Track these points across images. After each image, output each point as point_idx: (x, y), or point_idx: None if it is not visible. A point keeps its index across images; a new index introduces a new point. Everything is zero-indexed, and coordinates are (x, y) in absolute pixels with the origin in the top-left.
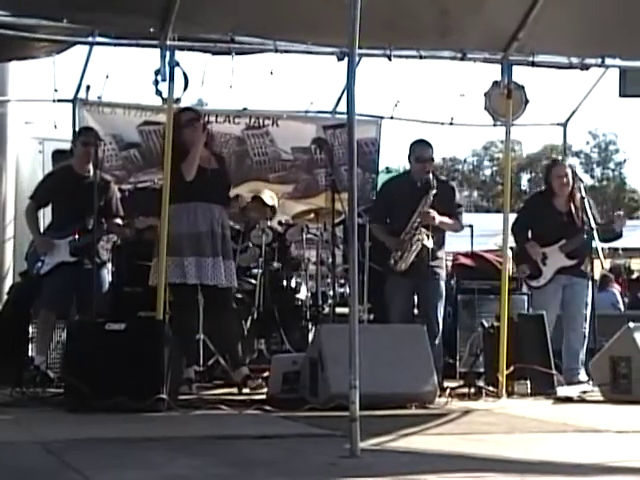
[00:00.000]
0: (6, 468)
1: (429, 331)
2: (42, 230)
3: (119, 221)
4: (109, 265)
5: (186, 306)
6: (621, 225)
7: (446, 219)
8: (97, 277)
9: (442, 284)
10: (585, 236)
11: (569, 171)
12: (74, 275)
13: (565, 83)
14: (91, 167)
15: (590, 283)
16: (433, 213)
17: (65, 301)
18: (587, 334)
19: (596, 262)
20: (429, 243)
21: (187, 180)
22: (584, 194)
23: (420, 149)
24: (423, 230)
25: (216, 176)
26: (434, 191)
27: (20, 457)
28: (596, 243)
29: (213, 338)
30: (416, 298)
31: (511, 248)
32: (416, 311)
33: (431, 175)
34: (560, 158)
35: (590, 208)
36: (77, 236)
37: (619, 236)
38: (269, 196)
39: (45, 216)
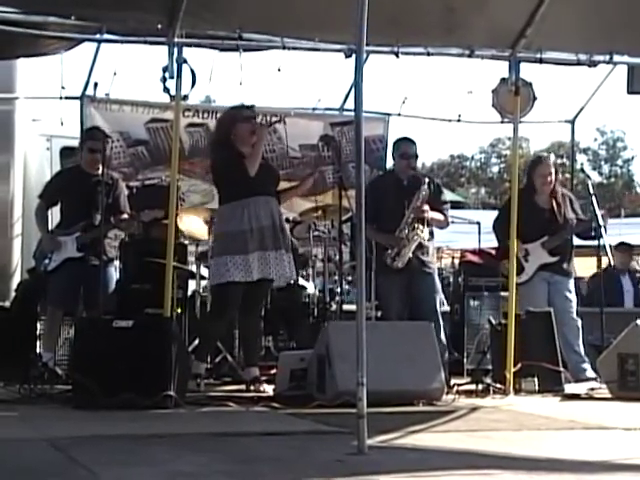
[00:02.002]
0: (13, 464)
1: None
2: (51, 229)
3: (125, 216)
4: (116, 262)
5: (228, 304)
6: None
7: (437, 214)
8: (104, 274)
9: (436, 277)
10: (593, 233)
11: (553, 170)
12: (81, 271)
13: (573, 80)
14: (100, 167)
15: (572, 281)
16: (426, 208)
17: (72, 297)
18: (578, 326)
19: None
20: (426, 238)
21: (251, 176)
22: (592, 191)
23: (404, 146)
24: (419, 226)
25: (267, 170)
26: (426, 186)
27: (27, 453)
28: (604, 240)
29: (241, 328)
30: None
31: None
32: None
33: (417, 171)
34: (545, 155)
35: (572, 204)
36: (84, 232)
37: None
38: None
39: (54, 215)
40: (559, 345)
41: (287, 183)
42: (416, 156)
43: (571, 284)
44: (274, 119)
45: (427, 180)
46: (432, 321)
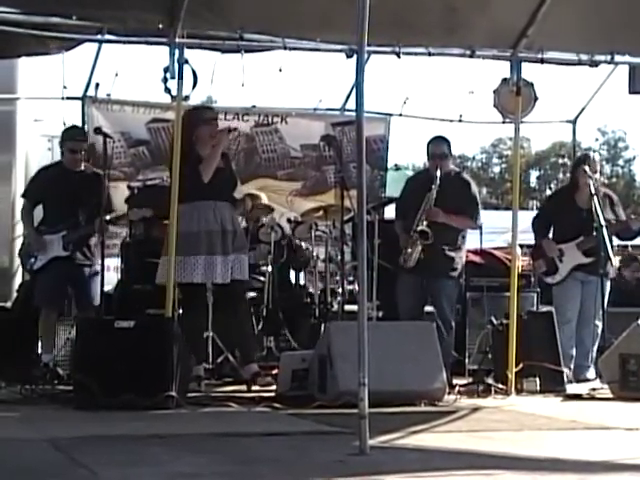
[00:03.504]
0: (15, 465)
1: (438, 328)
2: (36, 225)
3: (107, 217)
4: (102, 261)
5: (194, 304)
6: (638, 224)
7: (453, 216)
8: (90, 275)
9: (450, 283)
10: (595, 233)
11: (597, 168)
12: (67, 271)
13: (574, 80)
14: (82, 164)
15: (603, 280)
16: (435, 211)
17: (59, 296)
18: (600, 332)
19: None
20: (428, 241)
21: (204, 182)
22: (593, 191)
23: (432, 146)
24: (424, 228)
25: (224, 174)
26: (436, 188)
27: (28, 454)
28: (607, 240)
29: (225, 334)
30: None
31: (521, 246)
32: (431, 308)
33: (439, 171)
34: (590, 153)
35: (612, 204)
36: (70, 230)
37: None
38: (261, 199)
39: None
40: (572, 344)
41: (288, 183)
42: (445, 155)
43: (606, 285)
44: (233, 126)
45: (438, 182)
46: (440, 322)
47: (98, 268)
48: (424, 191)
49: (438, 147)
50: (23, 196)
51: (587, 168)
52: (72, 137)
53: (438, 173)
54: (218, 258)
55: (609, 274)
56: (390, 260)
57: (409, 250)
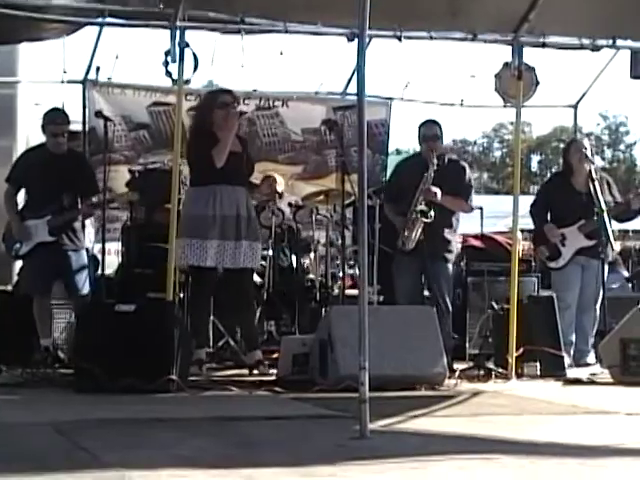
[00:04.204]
0: (17, 448)
1: (437, 312)
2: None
3: (94, 199)
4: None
5: (203, 288)
6: (639, 204)
7: (449, 197)
8: (77, 259)
9: (448, 266)
10: (595, 218)
11: (588, 147)
12: (53, 256)
13: (576, 64)
14: (65, 147)
15: (601, 264)
16: (434, 189)
17: (45, 282)
18: (597, 316)
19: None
20: (428, 219)
21: (217, 167)
22: (595, 175)
23: (424, 128)
24: (423, 207)
25: (240, 159)
26: (434, 167)
27: (30, 437)
28: (608, 225)
29: (229, 319)
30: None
31: (522, 230)
32: (427, 292)
33: (434, 152)
34: (579, 137)
35: (609, 187)
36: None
37: (638, 214)
38: (279, 182)
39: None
40: (572, 330)
41: (289, 167)
42: (437, 137)
43: (605, 269)
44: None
45: (435, 162)
46: (439, 307)
47: (84, 252)
48: (418, 174)
49: (430, 129)
50: (7, 180)
51: (588, 152)
52: (52, 120)
53: (434, 154)
54: (230, 243)
55: (608, 258)
56: (391, 244)
57: (407, 232)
